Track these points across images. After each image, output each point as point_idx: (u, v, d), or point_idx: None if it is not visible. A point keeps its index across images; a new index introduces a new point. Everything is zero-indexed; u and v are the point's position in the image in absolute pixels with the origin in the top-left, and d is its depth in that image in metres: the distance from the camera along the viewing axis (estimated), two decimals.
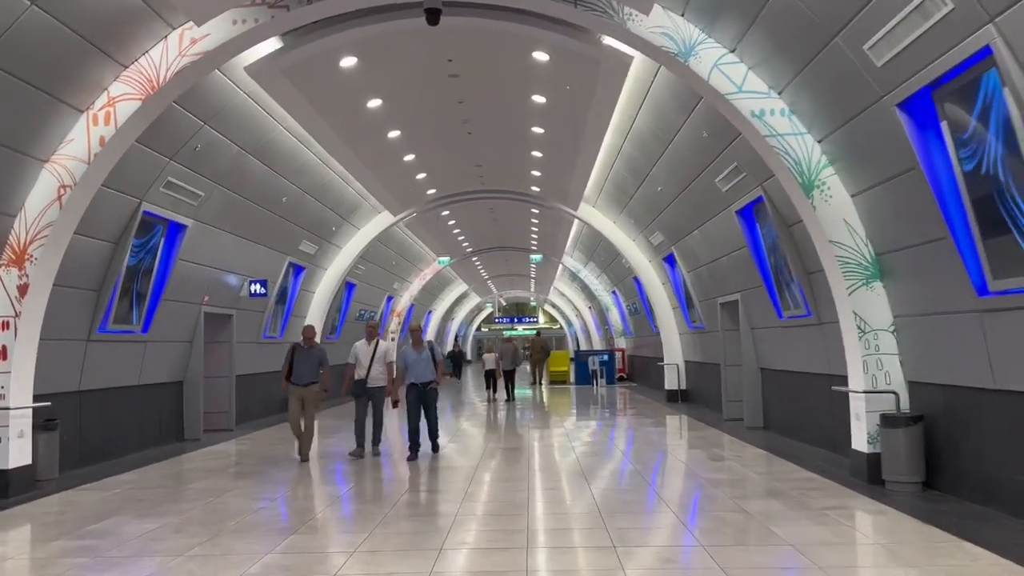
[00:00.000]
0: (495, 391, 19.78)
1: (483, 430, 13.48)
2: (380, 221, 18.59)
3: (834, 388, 8.42)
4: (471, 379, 31.44)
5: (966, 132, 5.72)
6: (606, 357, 25.79)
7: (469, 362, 51.64)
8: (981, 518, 6.01)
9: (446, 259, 28.70)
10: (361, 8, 8.12)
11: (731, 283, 12.74)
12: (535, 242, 27.84)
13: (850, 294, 7.64)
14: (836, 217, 7.67)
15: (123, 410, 10.43)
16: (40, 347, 8.03)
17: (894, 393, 7.45)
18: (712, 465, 9.11)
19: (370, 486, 8.34)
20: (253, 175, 11.90)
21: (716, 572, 4.78)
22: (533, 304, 64.42)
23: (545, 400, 20.25)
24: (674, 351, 17.92)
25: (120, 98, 7.82)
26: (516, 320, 66.13)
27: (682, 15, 7.85)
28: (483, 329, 66.71)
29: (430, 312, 39.06)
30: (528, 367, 27.00)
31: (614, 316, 28.81)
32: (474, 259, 32.48)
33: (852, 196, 7.64)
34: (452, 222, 23.32)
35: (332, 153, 13.33)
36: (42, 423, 8.27)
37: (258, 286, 14.00)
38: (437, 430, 10.17)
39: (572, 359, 29.27)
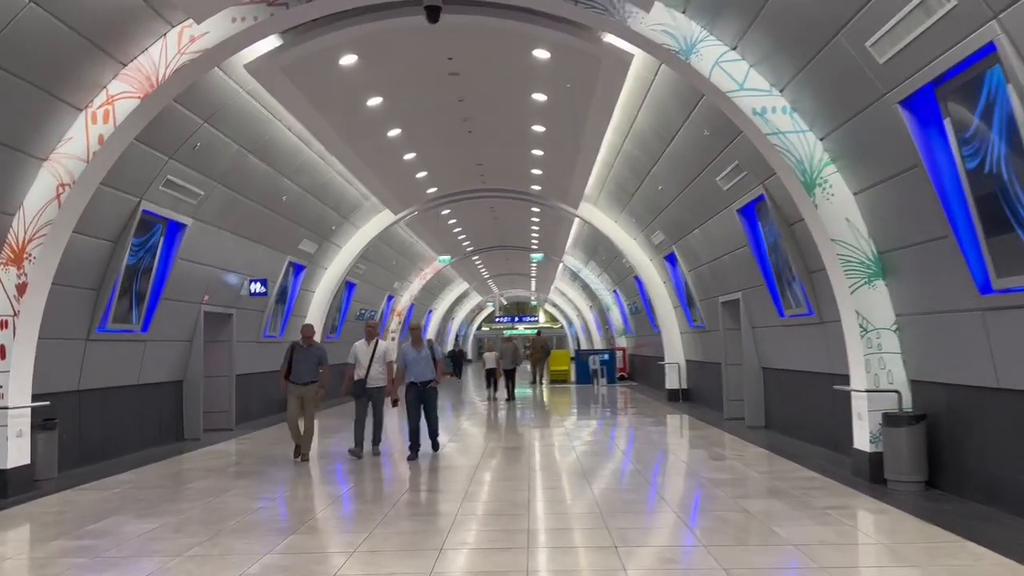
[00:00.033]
0: (496, 390, 19.76)
1: (483, 429, 13.45)
2: (380, 220, 18.56)
3: (836, 387, 8.40)
4: (471, 378, 31.42)
5: (969, 129, 5.68)
6: (607, 356, 25.76)
7: (470, 361, 51.63)
8: (984, 518, 5.97)
9: (447, 258, 28.67)
10: (360, 6, 8.08)
11: (732, 282, 12.71)
12: (536, 241, 27.82)
13: (852, 293, 7.60)
14: (838, 215, 7.64)
15: (122, 410, 10.40)
16: (39, 346, 8.00)
17: (896, 392, 7.42)
18: (713, 464, 9.08)
19: (370, 486, 8.31)
20: (253, 174, 11.87)
21: (718, 572, 4.75)
22: (534, 303, 64.39)
23: (545, 399, 20.22)
24: (675, 350, 17.89)
25: (119, 96, 7.79)
26: (517, 319, 66.08)
27: (683, 12, 7.81)
28: (484, 328, 66.67)
29: (430, 311, 39.04)
30: (528, 366, 26.98)
31: (615, 315, 28.78)
32: (475, 258, 32.45)
33: (854, 194, 7.60)
34: (452, 221, 23.29)
35: (332, 152, 13.30)
36: (41, 423, 8.24)
37: (258, 285, 13.98)
38: (437, 429, 10.12)
39: (573, 358, 29.23)
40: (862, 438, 7.67)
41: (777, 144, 7.77)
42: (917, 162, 6.32)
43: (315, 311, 17.93)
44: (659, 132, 11.55)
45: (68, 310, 8.89)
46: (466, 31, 9.35)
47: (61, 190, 7.75)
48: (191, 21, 7.53)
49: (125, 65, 7.77)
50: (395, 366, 9.88)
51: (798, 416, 10.76)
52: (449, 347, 40.19)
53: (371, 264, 21.32)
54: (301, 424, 9.55)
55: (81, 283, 9.07)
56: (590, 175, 15.76)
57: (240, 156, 11.16)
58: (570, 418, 15.21)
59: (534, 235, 26.67)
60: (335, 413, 15.60)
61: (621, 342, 28.69)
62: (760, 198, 9.99)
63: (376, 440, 10.02)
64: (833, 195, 7.65)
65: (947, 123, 5.92)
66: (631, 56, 9.49)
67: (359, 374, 9.78)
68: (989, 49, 5.16)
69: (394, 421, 13.57)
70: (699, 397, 16.67)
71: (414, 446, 9.60)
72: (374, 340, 9.95)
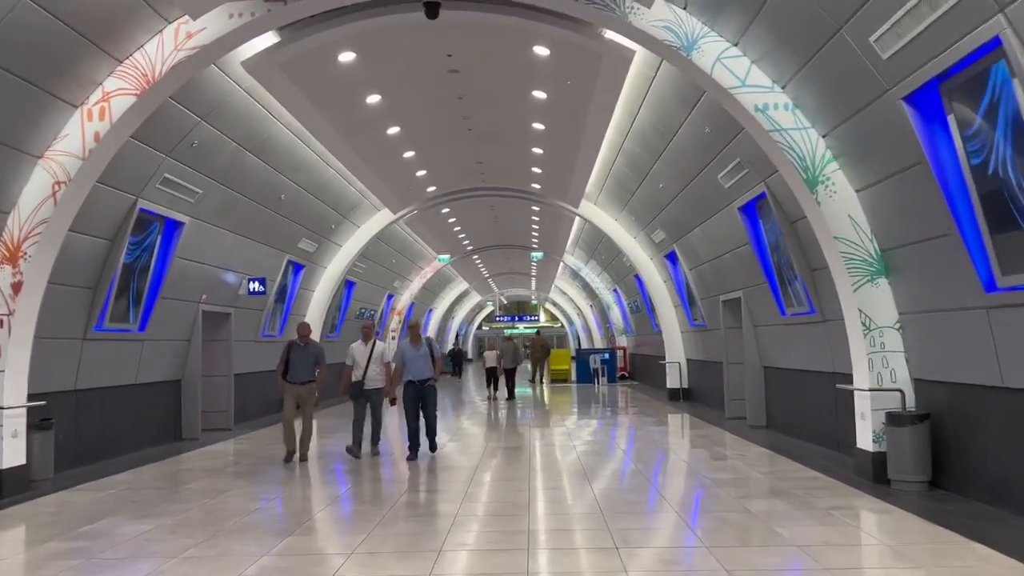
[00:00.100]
0: (496, 389, 19.70)
1: (484, 429, 13.39)
2: (380, 219, 18.49)
3: (839, 386, 8.33)
4: (472, 377, 31.37)
5: (974, 125, 5.62)
6: (607, 355, 25.71)
7: (470, 360, 51.56)
8: (990, 518, 5.91)
9: (446, 257, 28.61)
10: (359, 2, 8.02)
11: (733, 280, 12.64)
12: (536, 240, 27.76)
13: (855, 291, 7.54)
14: (841, 213, 7.57)
15: (120, 409, 10.34)
16: (35, 345, 7.94)
17: (900, 391, 7.35)
18: (715, 464, 9.01)
19: (369, 486, 8.25)
20: (251, 172, 11.80)
21: (720, 574, 4.69)
22: (534, 302, 64.33)
23: (546, 399, 20.16)
24: (676, 349, 17.83)
25: (115, 93, 7.72)
26: (517, 318, 66.02)
27: (684, 8, 7.74)
28: (484, 328, 66.61)
29: (431, 310, 38.97)
30: (529, 365, 26.94)
31: (615, 314, 28.72)
32: (475, 257, 32.39)
33: (857, 191, 7.54)
34: (452, 220, 23.22)
35: (331, 150, 13.23)
36: (37, 423, 8.17)
37: (257, 284, 13.91)
38: (435, 428, 9.96)
39: (573, 357, 29.19)
40: (865, 437, 7.60)
41: (779, 141, 7.70)
42: (921, 159, 6.25)
43: (314, 310, 17.86)
44: (660, 129, 11.48)
45: (64, 309, 8.82)
46: (465, 27, 9.28)
47: (57, 188, 7.68)
48: (187, 17, 7.47)
49: (121, 62, 7.70)
50: (392, 365, 9.80)
51: (800, 415, 10.69)
52: (449, 346, 40.11)
53: (371, 263, 21.26)
54: (297, 425, 9.49)
55: (77, 282, 9.00)
56: (591, 173, 15.69)
57: (238, 154, 11.09)
58: (570, 417, 15.15)
59: (534, 234, 26.61)
60: (334, 413, 15.53)
61: (622, 341, 28.62)
62: (762, 196, 9.92)
63: (375, 440, 9.95)
64: (835, 192, 7.59)
65: (951, 119, 5.86)
66: (632, 53, 9.42)
67: (356, 375, 9.69)
68: (994, 44, 5.09)
69: (394, 421, 13.51)
70: (700, 396, 16.61)
71: (413, 446, 9.53)
72: (371, 341, 9.87)
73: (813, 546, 5.26)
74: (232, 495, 7.53)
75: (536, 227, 25.22)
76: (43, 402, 8.13)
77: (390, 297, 26.40)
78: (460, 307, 50.36)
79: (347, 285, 20.08)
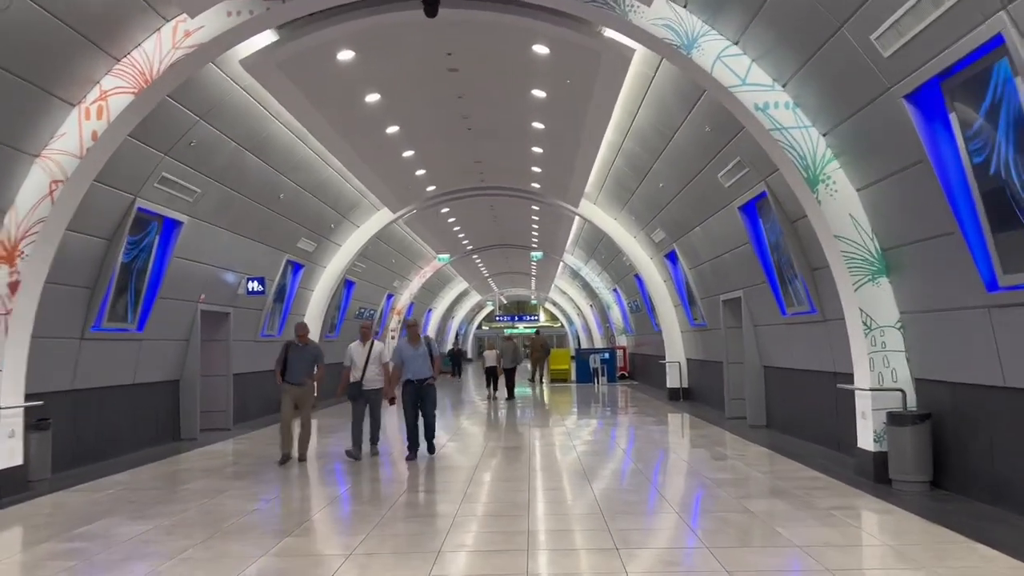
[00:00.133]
0: (496, 389, 19.66)
1: (483, 428, 13.36)
2: (379, 218, 18.45)
3: (839, 386, 8.30)
4: (471, 377, 31.33)
5: (976, 124, 5.58)
6: (607, 355, 25.68)
7: (470, 360, 51.53)
8: (992, 518, 5.88)
9: (446, 256, 28.58)
10: (358, 0, 7.98)
11: (734, 280, 12.61)
12: (536, 239, 27.72)
13: (856, 290, 7.50)
14: (841, 212, 7.53)
15: (118, 410, 10.30)
16: (32, 345, 7.90)
17: (901, 391, 7.32)
18: (715, 464, 8.98)
19: (368, 487, 8.21)
20: (250, 171, 11.76)
21: (721, 574, 4.66)
22: (534, 302, 64.28)
23: (546, 398, 20.13)
24: (676, 349, 17.80)
25: (112, 92, 7.68)
26: (517, 318, 65.98)
27: (684, 6, 7.71)
28: (484, 327, 66.57)
29: (430, 310, 38.94)
30: (528, 365, 26.92)
31: (615, 314, 28.69)
32: (474, 257, 32.35)
33: (858, 190, 7.50)
34: (452, 219, 23.18)
35: (330, 149, 13.19)
36: (34, 423, 8.14)
37: (255, 284, 13.88)
38: (434, 429, 9.78)
39: (573, 357, 29.16)
40: (866, 437, 7.57)
41: (780, 140, 7.67)
42: (922, 157, 6.22)
43: (314, 310, 17.82)
44: (660, 129, 11.44)
45: (62, 309, 8.79)
46: (465, 26, 9.24)
47: (54, 187, 7.64)
48: (185, 16, 7.43)
49: (118, 60, 7.66)
50: (391, 365, 9.74)
51: (800, 415, 10.66)
52: (449, 346, 40.07)
53: (370, 262, 21.22)
54: (296, 426, 9.44)
55: (75, 281, 8.96)
56: (590, 173, 15.65)
57: (237, 153, 11.05)
58: (570, 417, 15.12)
59: (534, 233, 26.57)
60: (333, 413, 15.50)
61: (621, 341, 28.59)
62: (762, 195, 9.89)
63: (374, 439, 9.90)
64: (836, 191, 7.55)
65: (953, 117, 5.82)
66: (632, 51, 9.38)
67: (355, 376, 9.63)
68: (997, 42, 5.06)
69: (393, 421, 13.47)
70: (700, 396, 16.58)
71: (412, 446, 9.48)
72: (369, 341, 9.80)
73: (814, 547, 5.22)
74: (230, 495, 7.50)
75: (536, 227, 25.18)
76: (40, 402, 8.10)
77: (390, 297, 26.36)
78: (460, 307, 50.33)
79: (346, 285, 20.04)
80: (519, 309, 67.33)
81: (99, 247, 9.23)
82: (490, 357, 19.95)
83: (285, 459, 9.26)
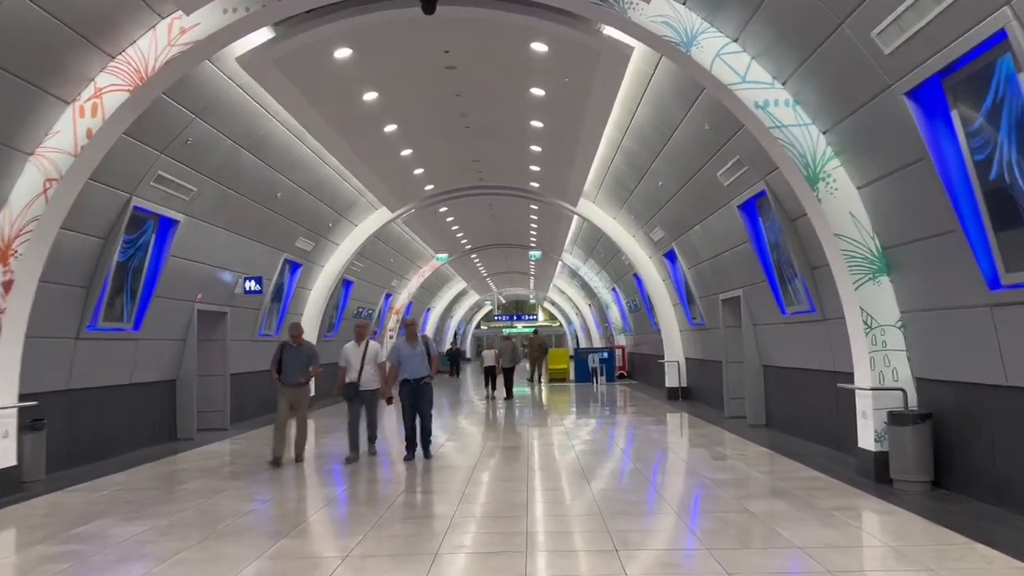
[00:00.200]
0: (494, 388, 19.61)
1: (482, 428, 13.30)
2: (378, 217, 18.39)
3: (840, 385, 8.25)
4: (470, 377, 31.28)
5: (978, 121, 5.54)
6: (606, 354, 25.63)
7: (468, 360, 51.47)
8: (994, 519, 5.83)
9: (445, 256, 28.52)
10: None
11: (733, 279, 12.56)
12: (534, 239, 27.68)
13: (856, 289, 7.46)
14: (842, 210, 7.49)
15: (114, 410, 10.24)
16: (27, 345, 7.83)
17: (902, 390, 7.28)
18: (715, 464, 8.93)
19: (365, 487, 8.15)
20: (247, 170, 11.70)
21: None
22: (533, 301, 64.23)
23: (544, 398, 20.08)
24: (675, 348, 17.75)
25: (107, 89, 7.62)
26: (516, 318, 65.92)
27: (684, 4, 7.66)
28: (482, 327, 66.51)
29: (429, 310, 38.88)
30: (527, 365, 26.89)
31: (614, 314, 28.64)
32: (473, 256, 32.29)
33: (858, 188, 7.45)
34: (451, 219, 23.13)
35: (327, 147, 13.13)
36: (29, 423, 8.08)
37: (253, 283, 13.82)
38: (430, 431, 9.56)
39: (571, 356, 29.11)
40: (867, 437, 7.53)
41: (780, 138, 7.62)
42: (924, 155, 6.17)
43: (312, 309, 17.76)
44: (659, 127, 11.39)
45: (57, 308, 8.72)
46: (463, 23, 9.19)
47: (48, 185, 7.58)
48: (181, 12, 7.37)
49: (113, 57, 7.60)
50: (388, 365, 9.65)
51: (800, 414, 10.62)
52: (447, 345, 40.01)
53: (368, 262, 21.16)
54: (292, 428, 9.37)
55: (70, 280, 8.90)
56: (589, 171, 15.59)
57: (233, 151, 10.99)
58: (569, 417, 15.07)
59: (532, 233, 26.52)
60: (330, 413, 15.43)
61: (620, 340, 28.54)
62: (761, 193, 9.84)
63: (371, 439, 9.84)
64: (837, 189, 7.50)
65: (955, 115, 5.78)
66: (631, 49, 9.33)
67: (351, 376, 9.51)
68: (1000, 37, 5.02)
69: (391, 421, 13.42)
70: (699, 395, 16.53)
71: (410, 446, 9.42)
72: (364, 341, 9.69)
73: (815, 548, 5.18)
74: (227, 496, 7.44)
75: (534, 226, 25.13)
76: (35, 402, 8.04)
77: (388, 296, 26.30)
78: (458, 306, 50.28)
79: (344, 284, 19.98)
80: (518, 309, 67.27)
81: (94, 246, 9.16)
82: (488, 357, 19.90)
83: (276, 462, 9.08)
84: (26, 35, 6.65)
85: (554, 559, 5.21)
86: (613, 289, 26.40)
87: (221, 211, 11.82)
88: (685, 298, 16.23)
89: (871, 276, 7.43)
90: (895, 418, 7.09)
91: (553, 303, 55.43)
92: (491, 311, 64.80)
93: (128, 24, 7.40)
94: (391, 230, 20.76)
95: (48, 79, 7.24)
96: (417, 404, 9.43)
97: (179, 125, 9.46)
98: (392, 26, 8.99)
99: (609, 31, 8.84)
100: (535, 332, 29.13)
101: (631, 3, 7.48)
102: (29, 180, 7.56)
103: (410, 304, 29.65)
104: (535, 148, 14.91)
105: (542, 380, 25.57)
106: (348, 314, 21.22)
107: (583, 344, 43.64)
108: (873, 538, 5.67)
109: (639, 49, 9.30)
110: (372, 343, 9.75)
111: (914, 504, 6.40)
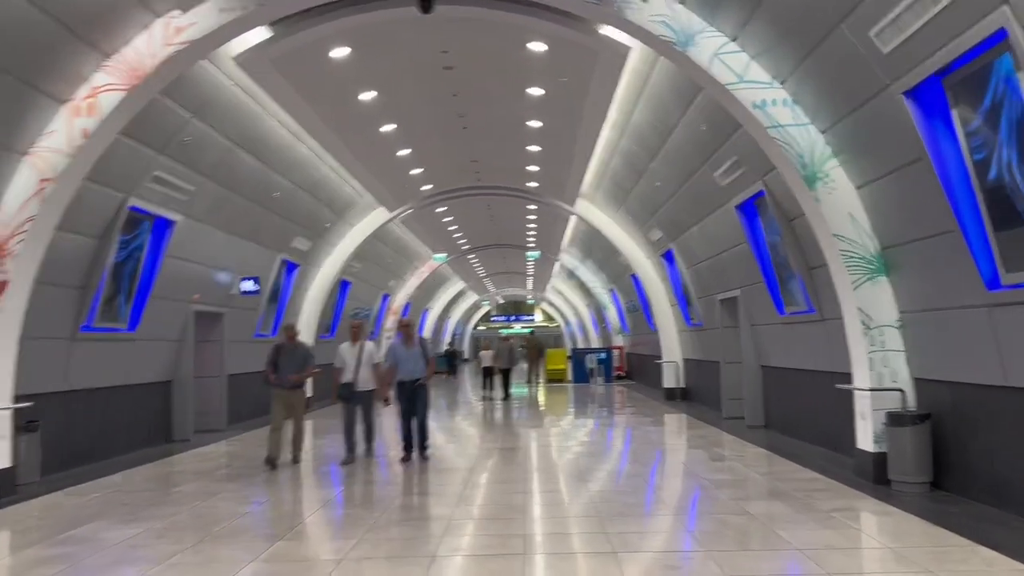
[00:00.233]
0: (492, 389, 19.57)
1: (479, 429, 13.27)
2: (375, 218, 18.34)
3: (838, 386, 8.22)
4: (468, 378, 31.25)
5: (977, 120, 5.52)
6: (604, 355, 25.61)
7: (466, 361, 51.41)
8: (993, 520, 5.81)
9: (442, 256, 28.48)
10: None
11: (731, 279, 12.54)
12: (532, 239, 27.65)
13: (854, 289, 7.43)
14: (840, 210, 7.46)
15: (110, 411, 10.18)
16: (22, 346, 7.78)
17: (900, 391, 7.25)
18: (713, 465, 8.90)
19: (361, 489, 8.12)
20: (244, 170, 11.66)
21: None
22: (531, 302, 64.19)
23: (542, 399, 20.05)
24: (673, 349, 17.73)
25: (103, 88, 7.57)
26: (514, 318, 65.87)
27: (682, 3, 7.63)
28: (480, 328, 66.46)
29: (426, 310, 38.82)
30: (525, 365, 26.88)
31: (611, 314, 28.61)
32: (471, 256, 32.24)
33: (857, 188, 7.43)
34: (448, 219, 23.08)
35: (325, 147, 13.10)
36: (23, 424, 8.03)
37: (250, 284, 13.77)
38: (426, 432, 9.50)
39: (569, 357, 29.09)
40: (865, 438, 7.50)
41: (778, 138, 7.59)
42: (922, 155, 6.15)
43: (309, 310, 17.70)
44: (656, 127, 11.37)
45: (52, 308, 8.67)
46: (460, 23, 9.16)
47: (43, 185, 7.53)
48: (177, 11, 7.34)
49: (109, 56, 7.56)
50: (383, 365, 9.58)
51: (798, 415, 10.59)
52: (444, 346, 39.96)
53: (366, 262, 21.12)
54: (288, 429, 9.32)
55: (65, 281, 8.85)
56: (586, 171, 15.58)
57: (230, 151, 10.95)
58: (567, 418, 15.05)
59: (530, 233, 26.50)
60: (328, 414, 15.38)
61: (618, 341, 28.52)
62: (759, 194, 9.81)
63: (369, 439, 9.78)
64: (835, 189, 7.48)
65: (954, 114, 5.76)
66: (628, 49, 9.31)
67: (347, 377, 9.39)
68: (999, 36, 5.00)
69: (388, 422, 13.37)
70: (697, 396, 16.51)
71: (408, 448, 9.38)
72: (359, 341, 9.55)
73: (814, 549, 5.15)
74: (222, 498, 7.40)
75: (532, 226, 25.11)
76: (30, 403, 7.99)
77: (385, 297, 26.25)
78: (456, 307, 50.22)
79: (342, 285, 19.93)
80: (516, 309, 67.20)
81: (90, 246, 9.12)
82: (486, 357, 19.88)
83: (272, 463, 8.98)
84: (21, 34, 6.60)
85: (552, 561, 5.18)
86: (611, 290, 26.38)
87: (218, 211, 11.78)
88: (683, 298, 16.21)
89: (869, 276, 7.41)
90: (894, 419, 7.07)
91: (551, 304, 55.41)
92: (489, 312, 64.79)
93: (124, 22, 7.36)
94: (389, 230, 20.72)
95: (43, 78, 7.19)
96: (414, 405, 9.38)
97: (175, 125, 9.42)
98: (390, 26, 8.96)
99: (606, 30, 8.82)
100: (532, 333, 29.10)
101: (629, 2, 7.47)
102: (24, 180, 7.50)
103: (408, 305, 29.60)
104: (533, 148, 14.88)
105: (539, 381, 25.55)
106: (345, 315, 21.17)
107: (581, 344, 43.61)
108: (872, 539, 5.65)
109: (637, 49, 9.28)
110: (368, 343, 9.66)
111: (913, 505, 6.38)
